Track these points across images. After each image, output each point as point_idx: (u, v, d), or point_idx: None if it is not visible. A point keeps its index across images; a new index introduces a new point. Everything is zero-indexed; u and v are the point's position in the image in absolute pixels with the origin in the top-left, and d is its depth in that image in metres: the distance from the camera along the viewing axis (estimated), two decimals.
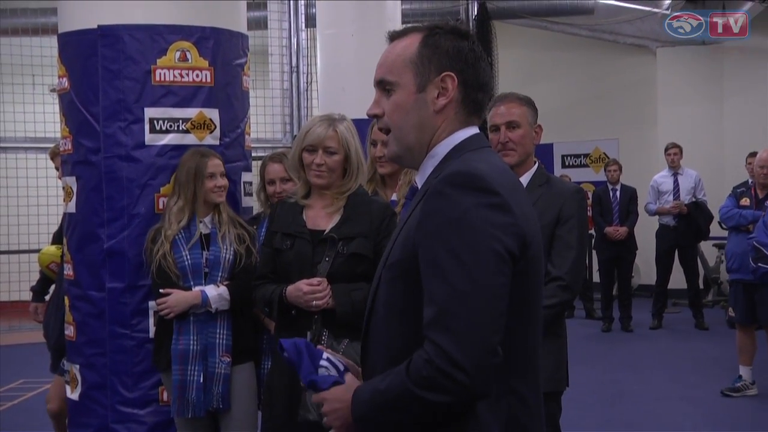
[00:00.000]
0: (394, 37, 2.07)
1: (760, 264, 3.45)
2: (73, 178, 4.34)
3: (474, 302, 1.77)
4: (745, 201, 7.27)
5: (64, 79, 4.36)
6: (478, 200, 1.82)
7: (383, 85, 2.03)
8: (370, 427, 1.89)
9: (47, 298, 5.43)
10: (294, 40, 11.01)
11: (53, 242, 5.39)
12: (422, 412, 1.81)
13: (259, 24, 11.40)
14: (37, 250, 10.04)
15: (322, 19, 9.00)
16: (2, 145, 10.07)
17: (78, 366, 4.37)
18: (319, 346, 2.10)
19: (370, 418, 1.88)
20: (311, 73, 10.81)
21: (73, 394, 4.41)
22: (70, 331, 4.43)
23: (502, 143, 3.57)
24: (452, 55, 1.99)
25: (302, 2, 10.98)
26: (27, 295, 10.05)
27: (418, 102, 1.99)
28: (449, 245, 1.80)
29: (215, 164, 4.06)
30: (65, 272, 4.46)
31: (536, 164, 3.69)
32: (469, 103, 2.01)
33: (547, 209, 3.55)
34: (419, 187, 2.02)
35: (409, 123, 2.00)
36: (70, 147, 4.35)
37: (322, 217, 3.59)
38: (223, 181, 4.07)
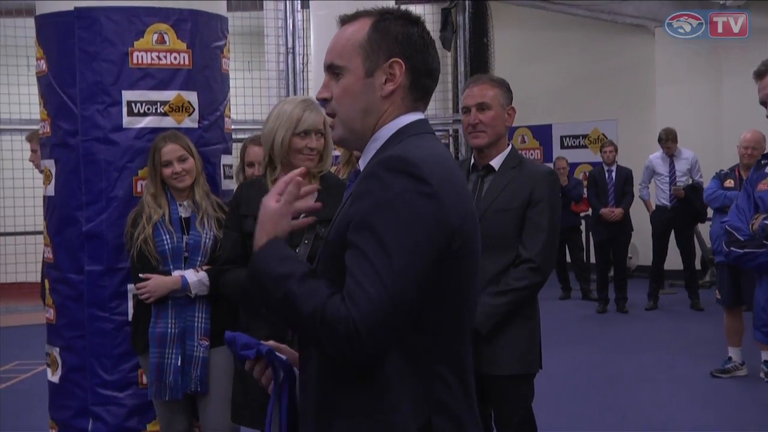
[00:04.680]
0: (344, 21, 2.07)
1: (732, 248, 3.44)
2: (52, 161, 4.33)
3: (387, 283, 1.79)
4: (730, 182, 7.25)
5: (42, 61, 4.34)
6: (408, 186, 1.84)
7: (332, 69, 2.04)
8: (255, 281, 1.92)
9: None
10: (290, 21, 10.97)
11: None
12: (312, 336, 1.85)
13: (255, 5, 11.38)
14: (36, 232, 10.14)
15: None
16: (1, 127, 10.08)
17: (58, 349, 4.38)
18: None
19: (263, 282, 1.90)
20: (307, 54, 10.79)
21: (53, 377, 4.42)
22: (50, 314, 4.44)
23: (472, 125, 3.58)
24: (401, 41, 2.00)
25: None
26: (24, 277, 10.17)
27: (366, 87, 2.00)
28: (374, 226, 1.82)
29: (169, 150, 4.01)
30: (45, 255, 4.47)
31: (509, 146, 3.69)
32: (416, 89, 2.03)
33: (519, 191, 3.55)
34: (361, 169, 2.03)
35: (356, 107, 2.02)
36: (48, 130, 4.35)
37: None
38: (181, 166, 4.01)
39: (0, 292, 10.82)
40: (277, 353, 2.10)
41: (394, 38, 1.99)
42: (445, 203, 1.86)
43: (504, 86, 3.67)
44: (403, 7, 2.19)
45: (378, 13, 2.03)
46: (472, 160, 3.73)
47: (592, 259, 11.38)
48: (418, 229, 1.82)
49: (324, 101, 2.07)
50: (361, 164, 2.05)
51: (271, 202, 2.00)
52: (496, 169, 3.63)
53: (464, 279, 1.94)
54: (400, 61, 1.99)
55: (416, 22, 2.04)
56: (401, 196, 1.83)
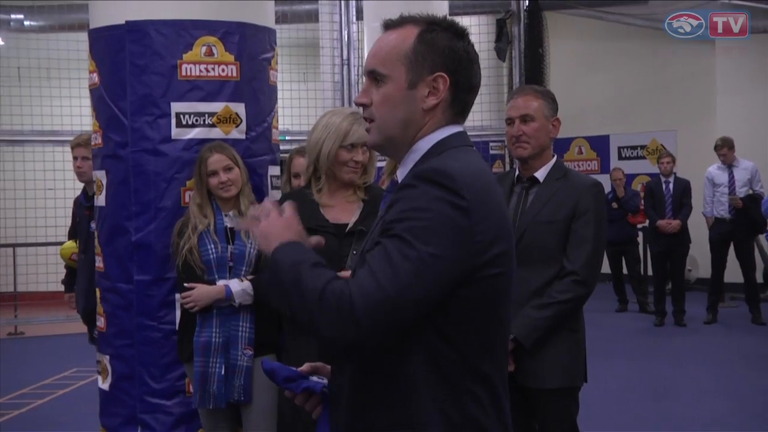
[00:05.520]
0: (389, 26, 2.04)
1: None
2: (103, 172, 4.41)
3: (401, 278, 1.78)
4: None
5: (94, 74, 4.43)
6: (442, 196, 1.83)
7: (374, 76, 2.01)
8: (273, 277, 1.90)
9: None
10: (345, 33, 11.02)
11: (70, 238, 5.91)
12: (308, 314, 1.82)
13: (311, 17, 11.46)
14: None
15: (369, 11, 9.01)
16: (58, 138, 10.28)
17: (108, 357, 4.45)
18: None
19: (280, 268, 1.88)
20: (362, 66, 10.83)
21: (103, 385, 4.49)
22: (101, 322, 4.51)
23: (515, 136, 3.56)
24: (447, 55, 1.97)
25: None
26: None
27: (408, 98, 1.98)
28: (401, 227, 1.82)
29: (215, 160, 4.05)
30: (96, 264, 4.55)
31: (554, 158, 3.65)
32: (457, 104, 2.01)
33: (564, 203, 3.52)
34: (399, 181, 2.02)
35: (396, 117, 2.00)
36: (100, 141, 4.42)
37: (341, 211, 3.60)
38: (227, 176, 4.05)
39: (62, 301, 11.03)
40: (315, 378, 2.10)
41: (440, 51, 1.96)
42: (476, 220, 1.84)
43: (548, 97, 3.64)
44: (457, 18, 2.16)
45: (425, 23, 2.00)
46: (517, 172, 3.70)
47: (650, 272, 11.21)
48: (444, 238, 1.81)
49: (362, 106, 2.05)
50: (399, 175, 2.04)
51: (276, 214, 2.01)
52: (541, 180, 3.60)
53: (494, 298, 1.91)
54: (445, 75, 1.96)
55: (462, 35, 2.01)
56: (434, 204, 1.82)
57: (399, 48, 1.98)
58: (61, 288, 6.29)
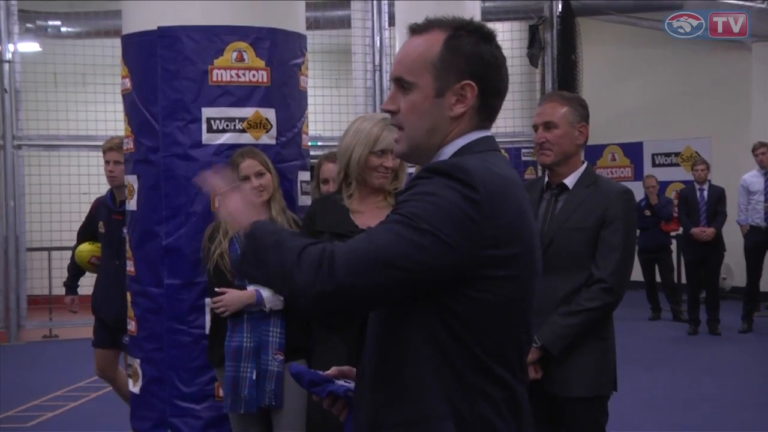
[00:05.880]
0: (414, 30, 2.02)
1: None
2: (135, 177, 4.44)
3: (397, 246, 1.78)
4: None
5: (127, 79, 4.47)
6: (455, 186, 1.83)
7: (401, 83, 2.00)
8: (251, 246, 1.92)
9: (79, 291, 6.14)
10: (377, 39, 11.05)
11: (81, 240, 5.88)
12: (287, 270, 1.83)
13: (343, 23, 11.50)
14: None
15: (401, 17, 9.03)
16: (93, 143, 10.36)
17: (138, 360, 4.48)
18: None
19: (258, 235, 1.91)
20: None
21: (134, 388, 4.53)
22: (131, 326, 4.54)
23: (539, 143, 3.55)
24: (474, 60, 1.95)
25: (385, 1, 10.99)
26: None
27: (435, 106, 1.97)
28: (410, 205, 1.82)
29: (247, 166, 4.06)
30: (127, 268, 4.58)
31: (584, 164, 3.63)
32: (484, 110, 2.00)
33: (593, 210, 3.49)
34: None
35: (423, 125, 1.99)
36: (132, 146, 4.46)
37: (371, 217, 3.60)
38: (258, 182, 4.06)
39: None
40: (341, 382, 2.11)
41: (467, 58, 1.94)
42: (487, 215, 1.83)
43: (576, 103, 3.60)
44: (490, 24, 2.13)
45: (451, 27, 1.96)
46: (546, 178, 3.68)
47: (683, 280, 11.10)
48: (449, 224, 1.80)
49: (390, 113, 2.04)
50: None
51: (238, 196, 2.07)
52: (570, 187, 3.57)
53: (505, 301, 1.89)
54: (472, 83, 1.95)
55: (489, 39, 1.99)
56: (445, 192, 1.82)
57: (425, 55, 1.96)
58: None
